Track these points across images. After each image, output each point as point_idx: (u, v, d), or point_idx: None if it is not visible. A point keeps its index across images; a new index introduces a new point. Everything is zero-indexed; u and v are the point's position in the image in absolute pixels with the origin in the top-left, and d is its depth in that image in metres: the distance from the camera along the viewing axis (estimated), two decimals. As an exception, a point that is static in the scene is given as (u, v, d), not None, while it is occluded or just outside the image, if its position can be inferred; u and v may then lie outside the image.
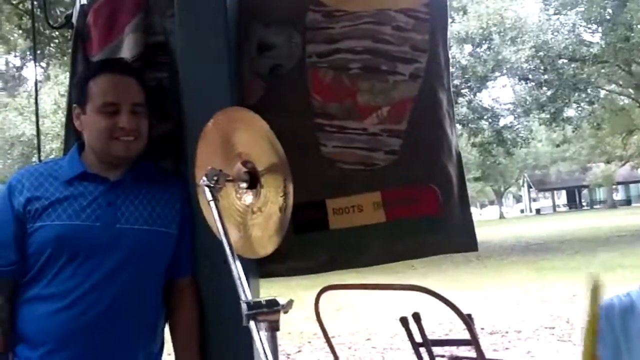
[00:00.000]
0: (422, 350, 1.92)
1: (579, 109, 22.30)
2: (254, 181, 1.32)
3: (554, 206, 54.32)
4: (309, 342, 6.81)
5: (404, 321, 1.84)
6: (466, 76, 20.21)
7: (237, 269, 1.13)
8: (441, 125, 1.98)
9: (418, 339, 1.94)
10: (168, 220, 1.70)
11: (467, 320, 1.62)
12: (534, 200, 57.06)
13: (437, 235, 1.94)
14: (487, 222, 38.56)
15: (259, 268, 1.89)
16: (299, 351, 6.56)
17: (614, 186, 47.77)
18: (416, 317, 1.83)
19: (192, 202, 1.70)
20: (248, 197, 1.33)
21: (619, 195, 51.83)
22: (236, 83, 1.83)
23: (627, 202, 49.58)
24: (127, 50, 1.94)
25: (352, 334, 7.22)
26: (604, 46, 19.64)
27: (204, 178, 1.27)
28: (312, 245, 1.90)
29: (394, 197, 1.89)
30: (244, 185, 1.33)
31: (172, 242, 1.71)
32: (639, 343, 1.36)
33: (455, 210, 1.97)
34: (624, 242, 16.37)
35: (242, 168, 1.33)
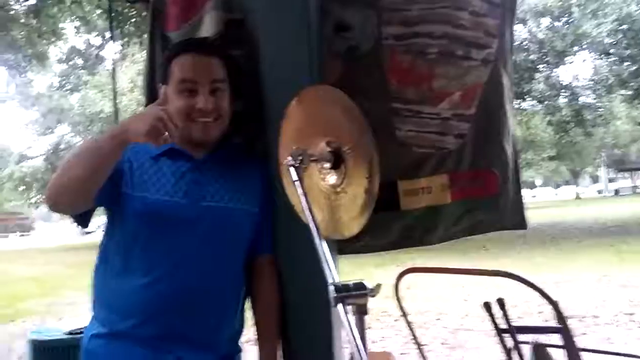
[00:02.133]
0: (506, 336, 1.87)
1: (664, 84, 21.11)
2: (338, 161, 1.30)
3: (634, 187, 51.89)
4: (378, 319, 6.82)
5: (487, 306, 1.78)
6: (543, 51, 19.48)
7: (323, 250, 1.12)
8: (504, 110, 2.04)
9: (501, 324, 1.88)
10: (251, 198, 1.71)
11: (557, 307, 1.56)
12: (612, 180, 54.71)
13: (493, 213, 2.04)
14: (563, 203, 37.36)
15: (337, 245, 1.89)
16: (369, 328, 6.56)
17: (700, 167, 45.17)
18: (501, 303, 1.77)
19: (274, 181, 1.70)
20: (332, 178, 1.31)
21: None
22: (316, 63, 1.81)
23: None
24: (207, 27, 1.94)
25: (422, 313, 7.18)
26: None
27: (289, 158, 1.26)
28: (385, 224, 1.92)
29: (459, 179, 1.97)
30: (328, 165, 1.31)
31: (254, 220, 1.72)
32: None
33: (510, 190, 2.06)
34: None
35: (326, 147, 1.31)
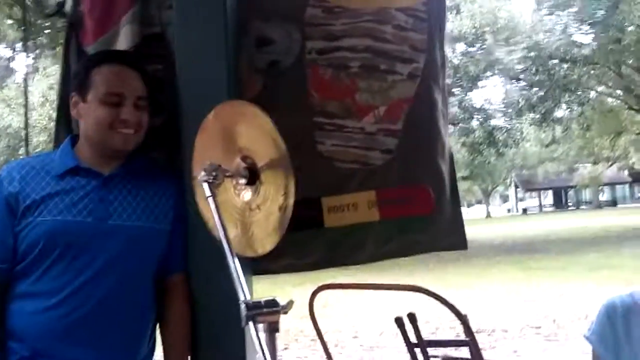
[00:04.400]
0: (417, 350, 1.90)
1: (569, 110, 22.42)
2: (253, 177, 1.29)
3: (541, 206, 54.63)
4: (296, 339, 6.80)
5: (399, 321, 1.81)
6: (458, 75, 20.29)
7: (235, 267, 1.10)
8: (436, 126, 2.00)
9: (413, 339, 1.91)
10: (161, 215, 1.67)
11: (466, 321, 1.60)
12: (521, 200, 57.33)
13: (428, 233, 1.96)
14: (474, 221, 38.73)
15: (253, 265, 1.86)
16: (286, 348, 6.54)
17: (600, 187, 48.20)
18: (412, 317, 1.80)
19: (187, 196, 1.66)
20: (247, 194, 1.30)
21: (605, 196, 52.23)
22: (234, 77, 1.80)
23: (613, 203, 49.97)
24: (123, 41, 1.90)
25: (339, 331, 7.21)
26: (595, 48, 19.77)
27: (203, 173, 1.24)
28: (306, 242, 1.89)
29: (388, 196, 1.91)
30: (243, 181, 1.30)
31: (165, 238, 1.68)
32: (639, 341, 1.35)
33: (446, 209, 1.99)
34: (610, 242, 16.51)
35: (241, 163, 1.30)
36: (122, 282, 1.58)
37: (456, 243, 2.03)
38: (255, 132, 1.27)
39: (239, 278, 1.08)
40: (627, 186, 50.79)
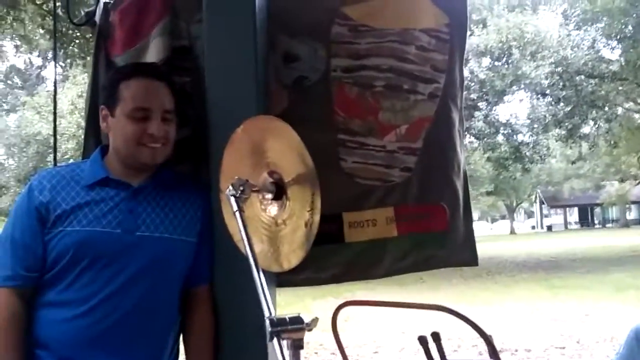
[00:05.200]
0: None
1: (596, 126, 22.12)
2: (280, 193, 1.30)
3: (566, 223, 53.81)
4: (316, 352, 6.77)
5: (422, 340, 1.80)
6: (484, 90, 20.16)
7: (261, 282, 1.10)
8: (453, 145, 2.06)
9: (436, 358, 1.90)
10: (188, 228, 1.68)
11: (491, 341, 1.59)
12: (546, 216, 56.61)
13: (443, 249, 2.03)
14: (498, 237, 38.35)
15: (277, 277, 1.87)
16: (306, 361, 6.52)
17: (627, 205, 47.37)
18: (435, 336, 1.79)
19: (214, 209, 1.67)
20: (273, 209, 1.31)
21: (632, 215, 51.29)
22: (263, 92, 1.81)
23: (640, 222, 49.05)
24: (153, 53, 1.93)
25: (360, 346, 7.16)
26: (623, 63, 19.50)
27: (230, 187, 1.25)
28: (327, 257, 1.92)
29: (406, 213, 1.96)
30: (270, 196, 1.31)
31: (191, 250, 1.69)
32: None
33: (460, 226, 2.06)
34: (637, 262, 16.17)
35: (268, 178, 1.31)
36: (149, 293, 1.60)
37: (468, 259, 2.10)
38: (283, 147, 1.28)
39: (264, 293, 1.08)
40: (655, 205, 49.83)
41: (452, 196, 2.04)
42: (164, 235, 1.63)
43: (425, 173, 1.99)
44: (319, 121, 1.91)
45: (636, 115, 25.22)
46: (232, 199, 1.23)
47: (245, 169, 1.33)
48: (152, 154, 1.63)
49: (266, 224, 1.31)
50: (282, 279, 1.89)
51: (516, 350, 6.74)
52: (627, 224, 46.02)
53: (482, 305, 9.93)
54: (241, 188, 1.24)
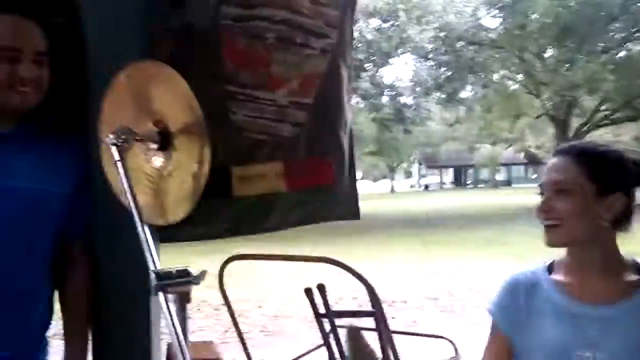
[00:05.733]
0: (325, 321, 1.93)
1: (473, 91, 23.31)
2: (165, 143, 1.24)
3: (441, 183, 56.80)
4: (199, 309, 6.74)
5: (308, 292, 1.83)
6: (370, 51, 20.50)
7: (145, 236, 1.06)
8: (342, 102, 2.08)
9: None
10: (61, 179, 1.58)
11: (373, 291, 1.64)
12: (423, 176, 59.34)
13: (328, 204, 2.07)
14: (379, 196, 39.80)
15: (159, 232, 1.81)
16: (189, 318, 6.46)
17: (497, 167, 50.72)
18: (321, 288, 1.83)
19: (92, 160, 1.57)
20: (158, 160, 1.25)
21: (501, 176, 54.99)
22: (146, 37, 1.71)
23: (508, 183, 52.72)
24: None
25: (244, 301, 7.21)
26: (501, 32, 20.56)
27: (111, 135, 1.18)
28: (214, 211, 1.87)
29: (295, 168, 1.96)
30: (155, 146, 1.24)
31: (64, 203, 1.58)
32: (538, 318, 1.41)
33: (345, 181, 2.11)
34: (504, 220, 17.44)
35: (153, 128, 1.24)
36: (20, 247, 1.49)
37: (351, 213, 2.16)
38: (170, 95, 1.21)
39: (148, 246, 1.03)
40: (522, 167, 53.68)
41: (338, 152, 2.07)
42: (36, 185, 1.52)
43: (315, 129, 1.99)
44: (206, 71, 1.83)
45: (510, 83, 26.83)
46: (114, 148, 1.16)
47: (128, 118, 1.25)
48: (23, 98, 1.50)
49: (150, 175, 1.25)
50: (166, 234, 1.82)
51: (393, 302, 7.08)
52: (496, 185, 49.39)
53: (361, 260, 10.28)
54: (123, 136, 1.18)
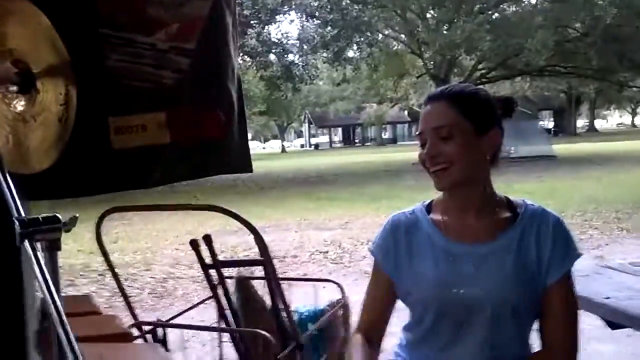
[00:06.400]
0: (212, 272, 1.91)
1: (359, 50, 23.64)
2: (27, 85, 1.15)
3: (331, 142, 57.71)
4: (82, 275, 6.48)
5: (193, 243, 1.80)
6: (256, 7, 20.16)
7: (6, 183, 0.98)
8: (228, 49, 1.99)
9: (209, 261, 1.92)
10: None
11: (262, 238, 1.64)
12: (313, 136, 59.98)
13: (217, 156, 2.00)
14: (270, 156, 39.83)
15: (27, 188, 1.69)
16: (72, 284, 6.21)
17: (383, 126, 52.21)
18: (207, 239, 1.80)
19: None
20: (20, 103, 1.15)
21: (387, 134, 56.69)
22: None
23: (394, 140, 54.49)
24: None
25: (131, 265, 7.02)
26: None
27: (-38, 77, 1.07)
28: (93, 164, 1.78)
29: (179, 118, 1.87)
30: (14, 88, 1.15)
31: None
32: (418, 257, 1.46)
33: (235, 133, 2.04)
34: (390, 176, 18.08)
35: (12, 68, 1.14)
36: None
37: (243, 166, 2.10)
38: (30, 32, 1.12)
39: (11, 194, 0.96)
40: (406, 125, 55.54)
41: (227, 102, 2.00)
42: None
43: (200, 77, 1.91)
44: (76, 10, 1.69)
45: (394, 43, 27.47)
46: (-33, 91, 1.06)
47: (-18, 58, 1.14)
48: None
49: (11, 120, 1.16)
50: (36, 190, 1.71)
51: (284, 257, 7.16)
52: (382, 143, 50.88)
53: (255, 218, 10.28)
54: (-23, 78, 1.08)
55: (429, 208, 1.52)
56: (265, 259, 1.70)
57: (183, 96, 1.89)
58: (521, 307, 1.38)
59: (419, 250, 1.46)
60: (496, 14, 24.00)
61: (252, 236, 1.74)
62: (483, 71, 26.48)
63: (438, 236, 1.45)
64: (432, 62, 25.38)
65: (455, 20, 21.74)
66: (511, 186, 10.96)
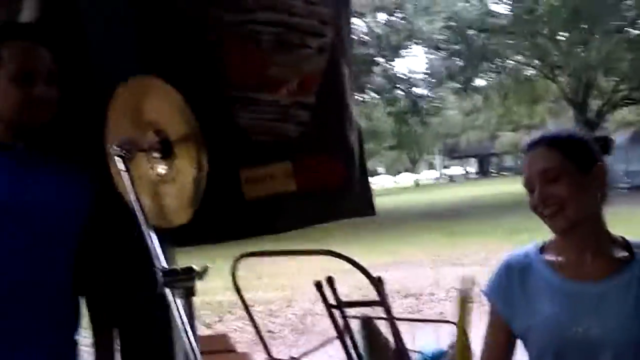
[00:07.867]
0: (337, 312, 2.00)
1: (487, 78, 23.13)
2: (166, 151, 1.32)
3: (465, 173, 56.36)
4: (230, 311, 6.84)
5: (318, 285, 1.90)
6: (381, 45, 20.50)
7: (150, 236, 1.14)
8: (344, 99, 2.11)
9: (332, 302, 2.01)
10: (75, 193, 1.66)
11: (376, 282, 1.70)
12: (446, 167, 58.92)
13: (341, 202, 2.10)
14: (403, 190, 39.64)
15: (174, 238, 1.89)
16: (220, 320, 6.58)
17: (520, 154, 50.08)
18: (330, 280, 1.89)
19: (101, 171, 1.66)
20: (161, 167, 1.33)
21: (524, 162, 54.20)
22: (145, 50, 1.79)
23: (532, 168, 51.90)
24: (28, 11, 1.85)
25: (273, 301, 7.30)
26: (511, 18, 20.38)
27: (116, 147, 1.26)
28: (227, 213, 1.92)
29: (304, 167, 1.98)
30: (157, 155, 1.33)
31: (82, 215, 1.67)
32: (534, 298, 1.46)
33: (355, 178, 2.14)
34: (529, 206, 17.23)
35: (154, 137, 1.32)
36: (45, 256, 1.57)
37: (365, 209, 2.19)
38: (165, 106, 1.29)
39: (154, 247, 1.11)
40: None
41: (347, 150, 2.10)
42: (54, 199, 1.60)
43: (320, 127, 2.02)
44: (209, 78, 1.89)
45: (524, 68, 26.54)
46: (119, 159, 1.25)
47: (130, 130, 1.34)
48: (38, 117, 1.58)
49: (154, 182, 1.33)
50: (179, 238, 1.90)
51: (421, 295, 7.10)
52: (520, 172, 48.71)
53: (389, 254, 10.29)
54: (127, 147, 1.26)
55: (541, 249, 1.51)
56: (382, 300, 1.76)
57: (306, 147, 2.00)
58: None
59: (534, 291, 1.46)
60: (636, 31, 22.48)
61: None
62: (624, 92, 24.79)
63: (553, 276, 1.44)
64: (567, 86, 24.18)
65: (590, 40, 20.67)
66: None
